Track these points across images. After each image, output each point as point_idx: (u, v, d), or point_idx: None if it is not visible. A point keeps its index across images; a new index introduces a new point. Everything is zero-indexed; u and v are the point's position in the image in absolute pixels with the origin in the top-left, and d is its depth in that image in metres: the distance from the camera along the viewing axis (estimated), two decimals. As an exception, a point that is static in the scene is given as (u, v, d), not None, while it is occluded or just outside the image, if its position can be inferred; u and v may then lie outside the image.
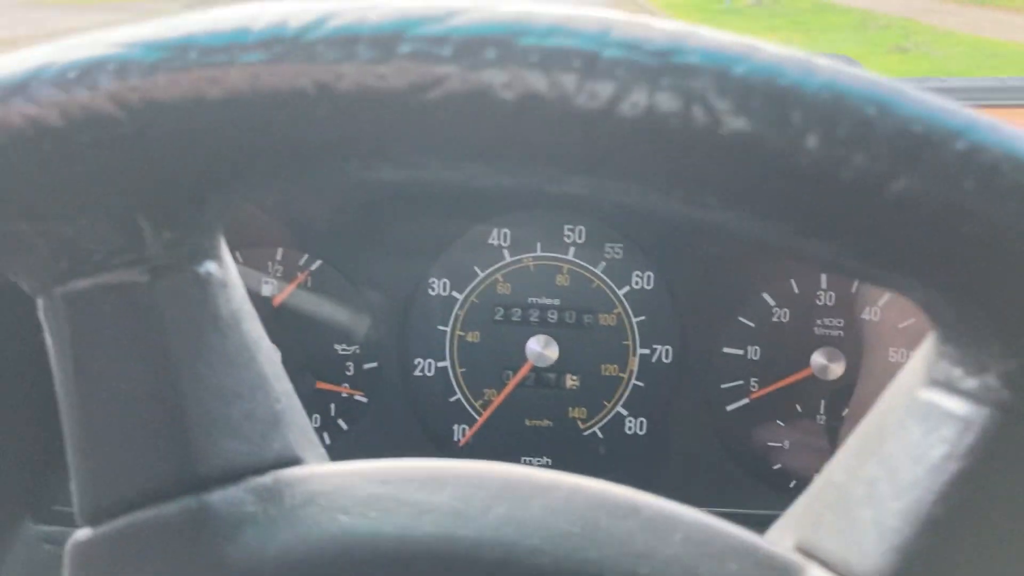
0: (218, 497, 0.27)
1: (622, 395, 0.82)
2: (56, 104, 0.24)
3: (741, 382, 0.80)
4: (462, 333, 0.83)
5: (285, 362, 0.82)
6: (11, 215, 0.25)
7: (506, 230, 0.82)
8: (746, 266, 0.80)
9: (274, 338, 0.80)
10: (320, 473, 0.28)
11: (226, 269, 0.28)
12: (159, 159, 0.25)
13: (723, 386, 0.81)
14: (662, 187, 0.23)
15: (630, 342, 0.82)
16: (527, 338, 0.82)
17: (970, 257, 0.22)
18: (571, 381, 0.83)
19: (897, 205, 0.22)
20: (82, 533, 0.27)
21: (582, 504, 0.27)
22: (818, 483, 0.29)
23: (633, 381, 0.82)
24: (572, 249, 0.82)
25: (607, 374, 0.83)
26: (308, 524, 0.27)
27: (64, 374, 0.27)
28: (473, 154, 0.24)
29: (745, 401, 0.81)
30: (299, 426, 0.30)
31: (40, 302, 0.27)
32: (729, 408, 0.81)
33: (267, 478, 0.28)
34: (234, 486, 0.27)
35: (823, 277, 0.78)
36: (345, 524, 0.26)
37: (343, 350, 0.83)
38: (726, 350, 0.81)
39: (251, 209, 0.79)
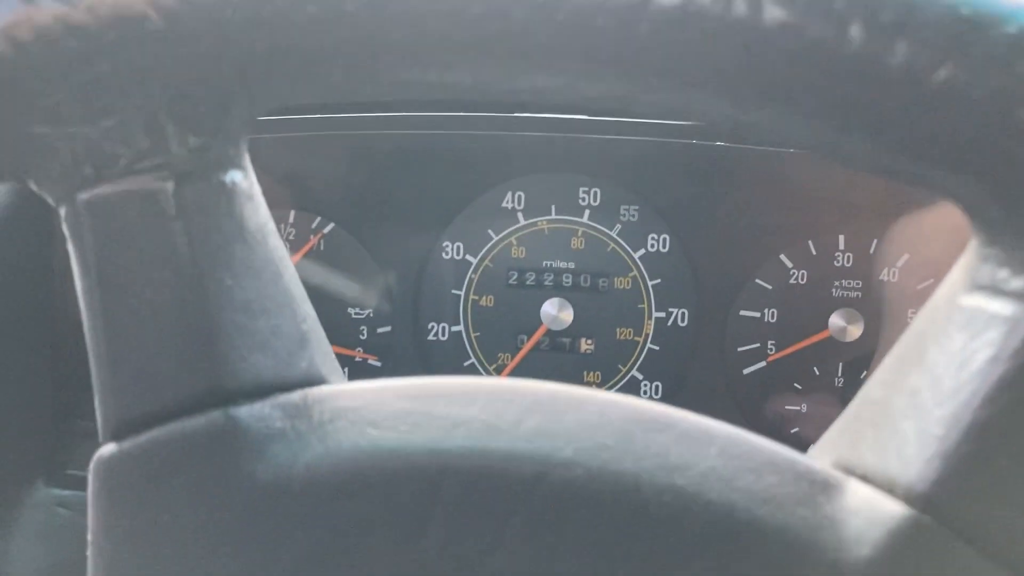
0: (246, 412, 0.26)
1: (637, 359, 0.82)
2: (85, 1, 0.23)
3: (758, 345, 0.80)
4: (476, 297, 0.83)
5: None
6: (35, 118, 0.25)
7: (520, 193, 0.82)
8: (763, 227, 0.79)
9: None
10: (349, 390, 0.27)
11: (252, 181, 0.28)
12: (186, 60, 0.24)
13: (740, 349, 0.80)
14: (702, 85, 0.23)
15: (645, 305, 0.81)
16: (541, 302, 0.81)
17: (1012, 146, 0.21)
18: (586, 345, 0.82)
19: (944, 94, 0.21)
20: (107, 448, 0.27)
21: (616, 418, 0.26)
22: (854, 404, 0.28)
23: (648, 345, 0.82)
24: (587, 212, 0.81)
25: (622, 338, 0.82)
26: (337, 439, 0.26)
27: (88, 285, 0.26)
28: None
29: (762, 364, 0.80)
30: (324, 349, 0.29)
31: (63, 212, 0.26)
32: (746, 372, 0.80)
33: (295, 395, 0.27)
34: (262, 402, 0.27)
35: (840, 238, 0.78)
36: (375, 438, 0.26)
37: (356, 314, 0.82)
38: (743, 313, 0.80)
39: (262, 172, 0.79)
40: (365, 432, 0.26)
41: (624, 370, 0.82)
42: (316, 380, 0.28)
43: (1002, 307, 0.24)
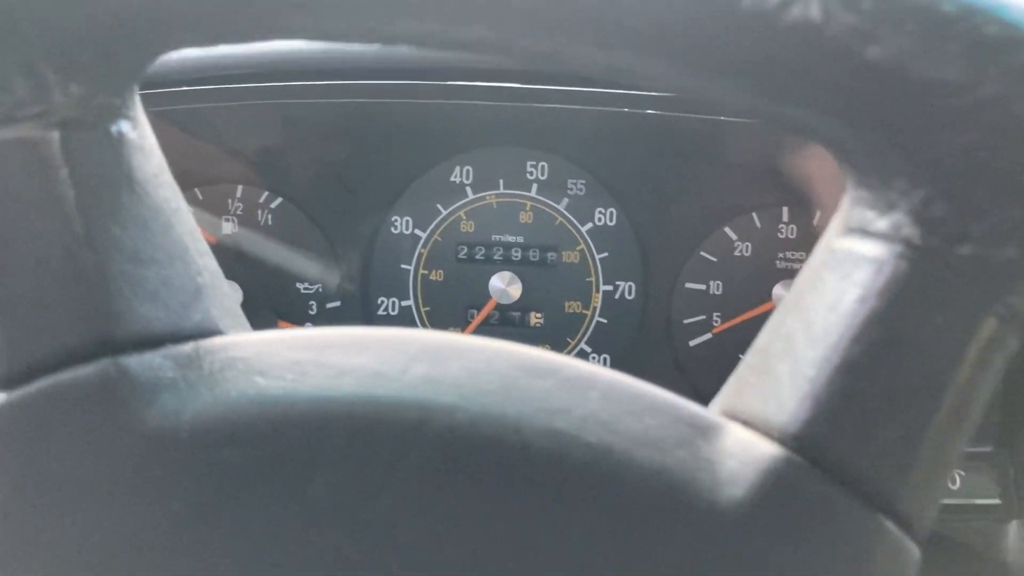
0: (135, 361, 0.26)
1: (586, 332, 0.82)
2: None
3: (703, 317, 0.80)
4: (425, 272, 0.83)
5: (246, 301, 0.82)
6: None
7: (468, 167, 0.82)
8: (708, 201, 0.79)
9: (235, 276, 0.80)
10: (240, 341, 0.28)
11: (142, 132, 0.28)
12: (63, 7, 0.24)
13: (686, 321, 0.81)
14: (565, 28, 0.23)
15: (593, 279, 0.82)
16: (491, 276, 0.82)
17: (872, 84, 0.22)
18: (535, 318, 0.83)
19: (798, 34, 0.22)
20: None
21: (501, 365, 0.26)
22: (747, 354, 0.29)
23: (596, 318, 0.82)
24: (535, 186, 0.82)
25: (571, 311, 0.83)
26: (226, 388, 0.26)
27: (-28, 235, 0.26)
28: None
29: (708, 336, 0.81)
30: (222, 302, 0.29)
31: None
32: (692, 343, 0.81)
33: (187, 346, 0.27)
34: (152, 352, 0.27)
35: (784, 210, 0.78)
36: (262, 386, 0.26)
37: (305, 289, 0.82)
38: (688, 285, 0.81)
39: (209, 145, 0.78)
40: (253, 381, 0.26)
41: (572, 343, 0.83)
42: (210, 332, 0.28)
43: (870, 248, 0.24)
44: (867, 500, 0.24)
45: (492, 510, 0.25)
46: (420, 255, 0.82)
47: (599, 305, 0.82)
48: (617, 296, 0.82)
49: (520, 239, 0.82)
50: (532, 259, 0.82)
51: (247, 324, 0.30)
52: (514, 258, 0.82)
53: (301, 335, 0.27)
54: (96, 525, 0.26)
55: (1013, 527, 0.74)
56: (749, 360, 0.28)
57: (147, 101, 0.29)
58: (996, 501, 0.74)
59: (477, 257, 0.82)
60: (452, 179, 0.82)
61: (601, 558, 0.24)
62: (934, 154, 0.22)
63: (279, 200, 0.82)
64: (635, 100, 0.67)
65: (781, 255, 0.78)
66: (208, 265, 0.29)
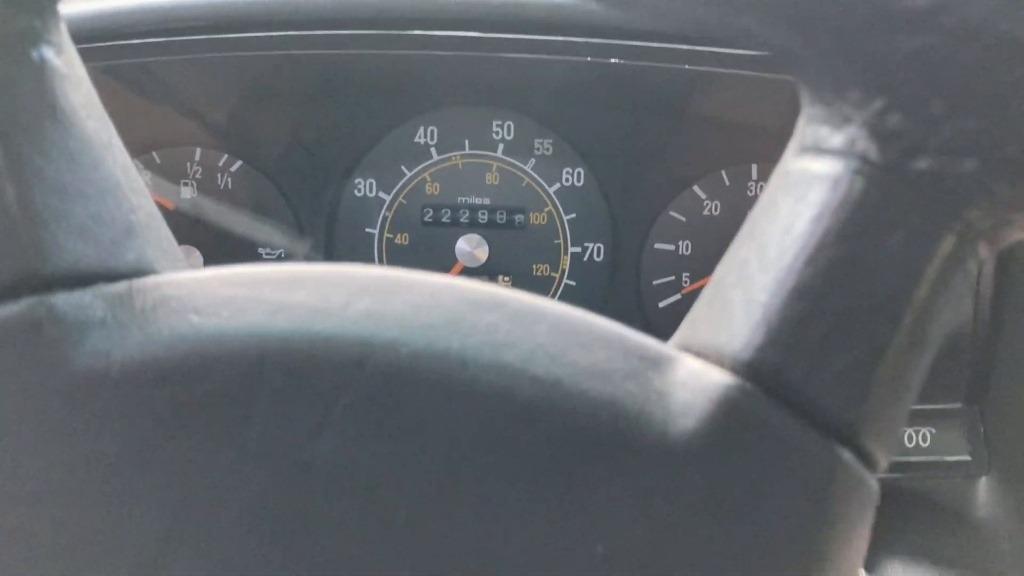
0: (64, 300, 0.25)
1: (554, 295, 0.81)
2: None
3: (673, 278, 0.80)
4: (391, 235, 0.81)
5: (206, 266, 0.81)
6: None
7: (433, 128, 0.80)
8: (676, 159, 0.78)
9: (195, 242, 0.79)
10: (174, 279, 0.26)
11: (69, 60, 0.26)
12: None
13: (655, 282, 0.80)
14: None
15: (561, 241, 0.81)
16: (457, 239, 0.80)
17: None
18: (503, 282, 0.82)
19: None
20: None
21: (446, 299, 0.25)
22: (704, 289, 0.28)
23: (565, 280, 0.81)
24: (501, 146, 0.80)
25: (539, 274, 0.82)
26: (159, 327, 0.25)
27: None
28: None
29: (677, 297, 0.80)
30: (159, 240, 0.28)
31: None
32: (661, 304, 0.80)
33: (119, 285, 0.26)
34: (82, 290, 0.26)
35: (753, 167, 0.77)
36: (196, 324, 0.25)
37: (267, 255, 0.81)
38: (657, 246, 0.80)
39: (164, 105, 0.77)
40: (187, 319, 0.25)
41: (541, 306, 0.82)
42: (145, 271, 0.27)
43: (824, 166, 0.23)
44: (823, 429, 0.23)
45: (437, 446, 0.24)
46: (385, 218, 0.81)
47: (567, 267, 0.81)
48: (586, 258, 0.81)
49: (487, 201, 0.81)
50: (499, 221, 0.81)
51: (182, 262, 0.29)
52: (481, 220, 0.81)
53: (238, 272, 0.26)
54: (24, 468, 0.25)
55: (983, 483, 0.74)
56: (705, 293, 0.27)
57: (93, 55, 0.28)
58: (966, 458, 0.74)
59: (443, 220, 0.81)
60: (416, 140, 0.81)
61: (550, 491, 0.24)
62: (888, 61, 0.21)
63: (239, 163, 0.80)
64: (598, 48, 0.65)
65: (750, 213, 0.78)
66: (144, 204, 0.28)
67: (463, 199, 0.81)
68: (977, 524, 0.68)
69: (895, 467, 0.74)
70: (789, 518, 0.23)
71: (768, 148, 0.76)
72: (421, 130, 0.80)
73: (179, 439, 0.24)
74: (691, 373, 0.24)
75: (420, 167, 0.80)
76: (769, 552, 0.23)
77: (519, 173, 0.80)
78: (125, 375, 0.25)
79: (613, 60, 0.63)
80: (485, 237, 0.80)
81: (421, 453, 0.24)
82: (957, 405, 0.75)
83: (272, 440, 0.24)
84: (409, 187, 0.81)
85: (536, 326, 0.25)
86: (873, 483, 0.25)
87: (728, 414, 0.23)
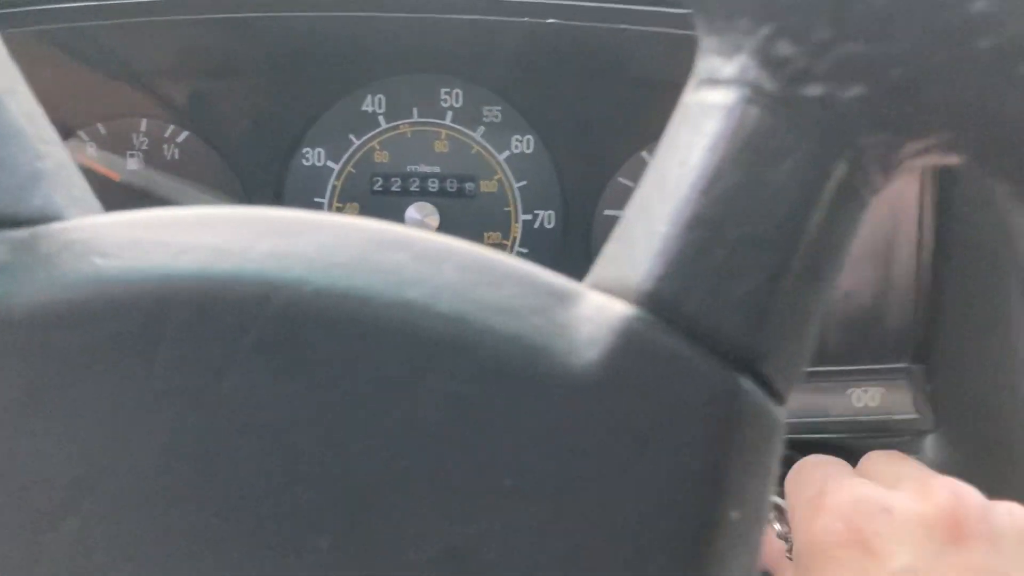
0: None
1: (506, 262, 0.81)
2: None
3: (623, 243, 0.80)
4: (340, 205, 0.81)
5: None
6: None
7: (381, 96, 0.80)
8: (624, 124, 0.78)
9: (141, 212, 0.78)
10: (80, 224, 0.26)
11: None
12: None
13: (605, 248, 0.80)
14: None
15: (512, 208, 0.81)
16: (407, 207, 0.80)
17: None
18: (454, 250, 0.81)
19: None
20: None
21: (353, 240, 0.25)
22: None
23: (517, 248, 0.81)
24: (449, 114, 0.80)
25: (490, 242, 0.81)
26: (62, 270, 0.25)
27: None
28: None
29: (628, 262, 0.80)
30: (69, 188, 0.28)
31: None
32: (612, 270, 0.80)
33: (23, 231, 0.26)
34: None
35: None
36: (100, 267, 0.25)
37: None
38: (607, 212, 0.80)
39: (106, 74, 0.76)
40: (91, 262, 0.25)
41: (493, 274, 0.81)
42: (51, 218, 0.27)
43: (718, 96, 0.23)
44: (723, 357, 0.23)
45: (342, 384, 0.24)
46: (333, 188, 0.81)
47: (519, 235, 0.81)
48: (537, 225, 0.81)
49: (436, 169, 0.80)
50: (449, 189, 0.80)
51: (98, 209, 0.29)
52: (431, 189, 0.80)
53: (144, 215, 0.26)
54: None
55: (929, 440, 0.75)
56: (614, 232, 0.27)
57: (23, 19, 0.27)
58: (913, 416, 0.75)
59: (392, 188, 0.80)
60: (364, 108, 0.80)
61: (456, 426, 0.24)
62: None
63: (185, 134, 0.79)
64: (535, 8, 0.65)
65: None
66: (53, 152, 0.28)
67: (412, 167, 0.80)
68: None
69: (845, 427, 0.75)
70: (691, 443, 0.23)
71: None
72: (369, 99, 0.80)
73: (83, 381, 0.24)
74: (596, 307, 0.24)
75: (368, 135, 0.80)
76: (673, 477, 0.23)
77: (468, 141, 0.80)
78: (28, 317, 0.24)
79: (550, 20, 0.63)
80: (435, 205, 0.80)
81: (326, 391, 0.24)
82: (904, 364, 0.76)
83: (178, 380, 0.24)
84: (358, 156, 0.80)
85: (443, 264, 0.25)
86: (778, 414, 0.25)
87: (629, 344, 0.24)
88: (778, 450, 0.26)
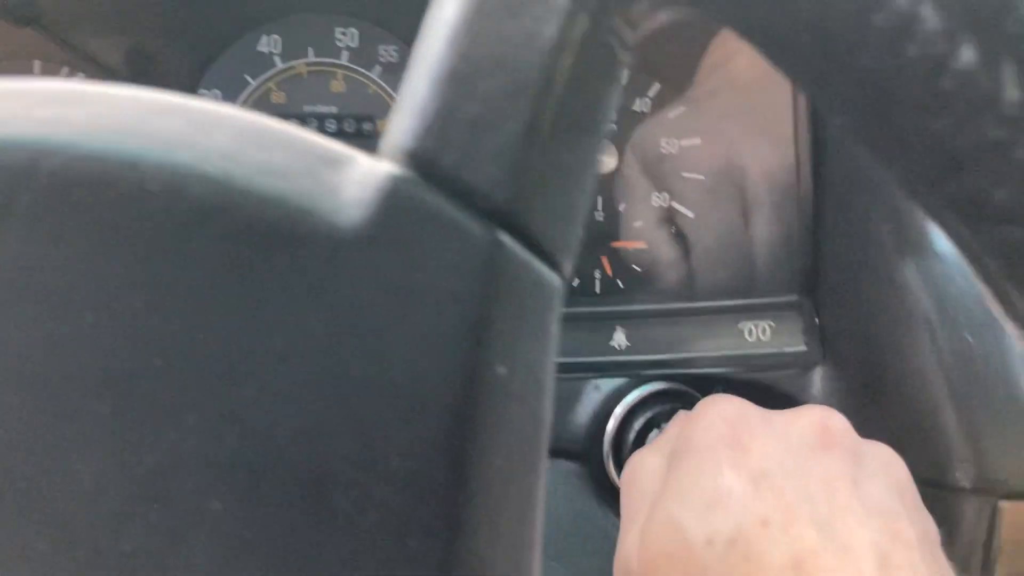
0: None
1: (405, 203, 0.81)
2: None
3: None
4: (238, 146, 0.80)
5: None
6: None
7: (276, 36, 0.79)
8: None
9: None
10: None
11: None
12: None
13: (503, 187, 0.80)
14: None
15: (410, 148, 0.81)
16: (305, 148, 0.80)
17: None
18: (353, 191, 0.81)
19: None
20: None
21: (127, 107, 0.26)
22: None
23: (416, 189, 0.81)
24: (345, 54, 0.80)
25: (390, 183, 0.81)
26: None
27: None
28: None
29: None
30: None
31: None
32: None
33: None
34: None
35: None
36: None
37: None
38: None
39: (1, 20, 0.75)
40: None
41: (392, 215, 0.82)
42: None
43: None
44: (482, 212, 0.24)
45: (112, 248, 0.24)
46: (231, 129, 0.80)
47: (418, 175, 0.81)
48: (435, 165, 0.81)
49: (334, 109, 0.80)
50: (347, 130, 0.80)
51: None
52: (329, 129, 0.80)
53: None
54: None
55: (818, 372, 0.76)
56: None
57: None
58: (802, 348, 0.76)
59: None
60: (260, 49, 0.80)
61: (224, 288, 0.24)
62: None
63: (80, 75, 0.78)
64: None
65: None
66: None
67: (310, 108, 0.80)
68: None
69: (737, 361, 0.77)
70: (452, 297, 0.24)
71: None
72: (264, 39, 0.79)
73: None
74: (365, 169, 0.25)
75: (264, 76, 0.80)
76: (437, 331, 0.24)
77: (365, 81, 0.80)
78: None
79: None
80: (332, 146, 0.80)
81: (95, 255, 0.24)
82: (794, 298, 0.77)
83: None
84: (254, 97, 0.80)
85: (215, 129, 0.25)
86: (549, 277, 0.26)
87: (391, 203, 0.24)
88: (554, 314, 0.26)
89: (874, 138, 0.22)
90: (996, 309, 0.22)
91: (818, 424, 0.54)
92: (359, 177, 0.25)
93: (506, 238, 0.24)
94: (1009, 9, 0.20)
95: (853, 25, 0.21)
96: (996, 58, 0.20)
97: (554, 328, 0.26)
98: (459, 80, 0.24)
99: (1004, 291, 0.22)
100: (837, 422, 0.54)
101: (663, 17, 0.24)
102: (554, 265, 0.26)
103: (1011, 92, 0.20)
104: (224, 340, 0.24)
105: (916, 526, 0.49)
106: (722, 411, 0.55)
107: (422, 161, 0.24)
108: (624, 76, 0.25)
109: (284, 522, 0.24)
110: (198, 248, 0.24)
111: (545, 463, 0.26)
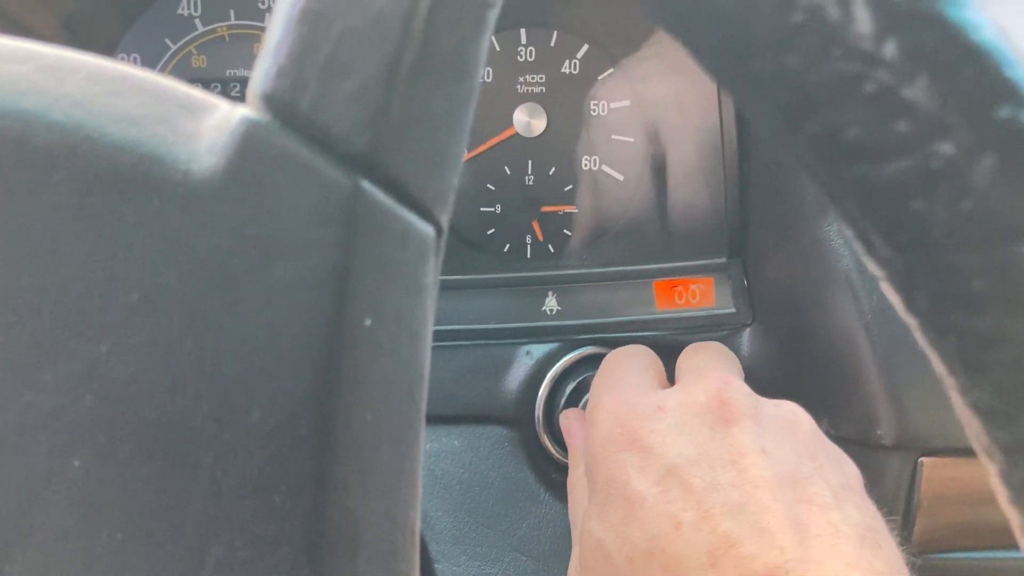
0: None
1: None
2: None
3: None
4: (160, 112, 0.79)
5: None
6: None
7: (196, -2, 0.78)
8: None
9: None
10: None
11: None
12: None
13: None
14: None
15: (337, 113, 0.79)
16: (229, 114, 0.78)
17: None
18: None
19: None
20: None
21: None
22: None
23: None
24: (268, 16, 0.78)
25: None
26: None
27: None
28: None
29: (455, 166, 0.80)
30: None
31: None
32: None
33: None
34: None
35: (523, 32, 0.77)
36: None
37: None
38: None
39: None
40: None
41: (320, 181, 0.80)
42: None
43: None
44: (341, 158, 0.23)
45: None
46: (152, 94, 0.78)
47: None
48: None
49: (256, 73, 0.78)
50: (272, 95, 0.79)
51: None
52: (252, 94, 0.79)
53: None
54: None
55: (747, 334, 0.77)
56: None
57: None
58: (732, 310, 0.77)
59: (214, 94, 0.78)
60: (179, 12, 0.78)
61: (78, 238, 0.23)
62: None
63: (-8, 40, 0.76)
64: None
65: (521, 79, 0.78)
66: None
67: (232, 71, 0.78)
68: (743, 370, 0.70)
69: (668, 323, 0.77)
70: (312, 246, 0.23)
71: (535, 12, 0.76)
72: (184, 1, 0.77)
73: None
74: (223, 115, 0.24)
75: (185, 39, 0.78)
76: (297, 280, 0.23)
77: (289, 44, 0.78)
78: None
79: None
80: (256, 110, 0.78)
81: None
82: (722, 260, 0.77)
83: None
84: (175, 61, 0.78)
85: (68, 76, 0.24)
86: (420, 227, 0.25)
87: (248, 148, 0.23)
88: (429, 265, 0.26)
89: (733, 79, 0.22)
90: (860, 250, 0.22)
91: (715, 398, 0.51)
92: (215, 123, 0.24)
93: (368, 185, 0.24)
94: None
95: None
96: None
97: (430, 279, 0.26)
98: (313, 18, 0.23)
99: (865, 232, 0.21)
100: (735, 392, 0.52)
101: None
102: (425, 214, 0.25)
103: (860, 25, 0.19)
104: (77, 294, 0.23)
105: (832, 481, 0.48)
106: (612, 413, 0.54)
107: (280, 105, 0.23)
108: (492, 22, 0.25)
109: (145, 479, 0.23)
110: (48, 198, 0.23)
111: (422, 417, 0.26)
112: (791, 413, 0.52)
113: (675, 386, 0.55)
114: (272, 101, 0.23)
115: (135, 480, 0.23)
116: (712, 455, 0.48)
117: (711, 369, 0.56)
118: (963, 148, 0.19)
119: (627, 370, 0.60)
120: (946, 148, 0.19)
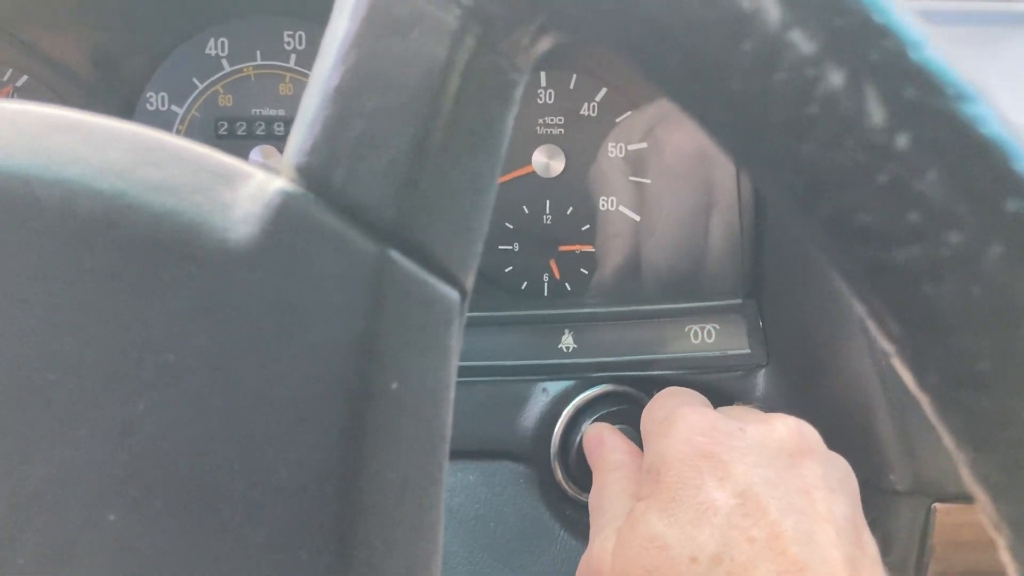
0: None
1: (354, 206, 0.81)
2: None
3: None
4: (186, 149, 0.80)
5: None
6: None
7: (224, 39, 0.79)
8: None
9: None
10: None
11: None
12: None
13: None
14: None
15: (359, 152, 0.81)
16: (251, 150, 0.80)
17: None
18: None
19: None
20: None
21: (22, 122, 0.26)
22: None
23: (365, 192, 0.81)
24: (293, 56, 0.80)
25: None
26: None
27: None
28: None
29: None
30: None
31: None
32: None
33: None
34: None
35: (543, 75, 0.79)
36: None
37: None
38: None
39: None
40: None
41: (341, 218, 0.82)
42: None
43: None
44: (370, 229, 0.24)
45: (5, 264, 0.24)
46: (178, 132, 0.80)
47: (367, 179, 0.81)
48: (384, 169, 0.81)
49: (281, 112, 0.80)
50: (296, 133, 0.80)
51: None
52: (276, 132, 0.80)
53: None
54: None
55: (762, 375, 0.77)
56: None
57: None
58: (746, 351, 0.77)
59: (238, 132, 0.80)
60: (207, 52, 0.79)
61: (116, 303, 0.24)
62: None
63: (25, 78, 0.78)
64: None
65: (541, 120, 0.79)
66: None
67: (257, 110, 0.80)
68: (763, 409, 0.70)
69: (684, 363, 0.77)
70: (341, 314, 0.24)
71: (556, 57, 0.78)
72: (212, 42, 0.79)
73: None
74: (258, 185, 0.25)
75: (212, 79, 0.79)
76: (326, 347, 0.24)
77: (313, 84, 0.80)
78: None
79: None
80: (279, 148, 0.80)
81: None
82: (738, 301, 0.78)
83: None
84: (202, 99, 0.80)
85: (109, 145, 0.25)
86: (446, 292, 0.26)
87: (282, 219, 0.24)
88: (453, 328, 0.26)
89: (747, 160, 0.22)
90: (872, 328, 0.23)
91: (795, 432, 0.55)
92: (251, 193, 0.25)
93: (396, 254, 0.25)
94: (872, 39, 0.21)
95: (723, 51, 0.21)
96: (859, 85, 0.20)
97: (454, 342, 0.27)
98: (346, 96, 0.24)
99: (876, 310, 0.22)
100: (809, 430, 0.56)
101: (551, 41, 0.25)
102: (450, 279, 0.26)
103: (872, 119, 0.20)
104: (115, 355, 0.24)
105: (873, 539, 0.51)
106: (694, 425, 0.56)
107: (314, 177, 0.24)
108: (518, 97, 0.26)
109: (176, 534, 0.24)
110: (90, 263, 0.24)
111: (444, 475, 0.27)
112: (845, 466, 0.56)
113: (751, 416, 0.58)
114: (306, 173, 0.24)
115: (166, 534, 0.24)
116: (788, 482, 0.51)
117: (779, 414, 0.58)
118: (972, 237, 0.20)
119: (694, 396, 0.64)
120: (956, 237, 0.20)
